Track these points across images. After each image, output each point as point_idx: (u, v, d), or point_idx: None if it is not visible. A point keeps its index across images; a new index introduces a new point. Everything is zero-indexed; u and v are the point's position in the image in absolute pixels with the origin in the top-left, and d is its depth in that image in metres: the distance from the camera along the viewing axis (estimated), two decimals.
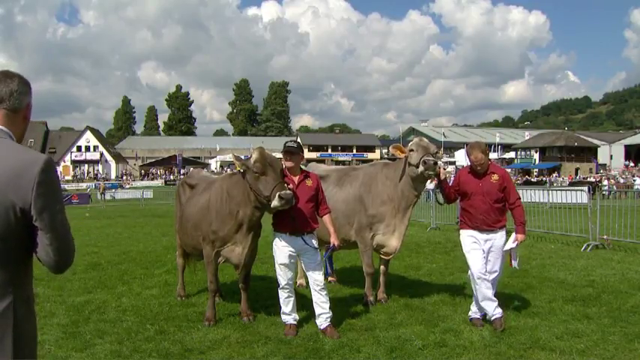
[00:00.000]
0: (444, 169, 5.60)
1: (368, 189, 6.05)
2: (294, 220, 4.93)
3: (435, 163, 5.32)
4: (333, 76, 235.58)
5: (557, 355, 4.29)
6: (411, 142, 5.72)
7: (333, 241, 5.14)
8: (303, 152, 5.30)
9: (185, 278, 6.78)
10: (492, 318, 5.04)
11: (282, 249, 5.03)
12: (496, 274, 5.21)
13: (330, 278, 7.24)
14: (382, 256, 6.22)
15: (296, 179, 5.09)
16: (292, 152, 5.07)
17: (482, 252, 5.13)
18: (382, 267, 6.32)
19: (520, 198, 5.23)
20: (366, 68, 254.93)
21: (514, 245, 5.17)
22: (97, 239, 12.96)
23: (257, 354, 4.49)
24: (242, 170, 4.97)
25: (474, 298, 5.24)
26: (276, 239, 5.10)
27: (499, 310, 5.04)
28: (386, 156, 78.83)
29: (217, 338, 4.90)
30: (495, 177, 5.09)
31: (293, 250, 5.02)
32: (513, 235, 5.18)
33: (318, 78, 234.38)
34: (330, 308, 5.07)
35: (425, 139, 5.74)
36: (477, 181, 5.14)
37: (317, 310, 5.05)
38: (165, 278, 7.72)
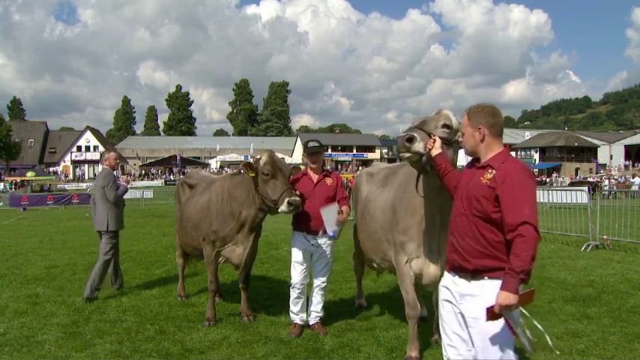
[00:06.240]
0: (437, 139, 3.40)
1: (402, 192, 4.33)
2: (312, 220, 4.90)
3: (411, 140, 3.35)
4: (333, 75, 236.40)
5: (557, 355, 4.28)
6: None
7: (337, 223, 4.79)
8: (324, 149, 5.20)
9: (184, 278, 6.79)
10: None
11: (298, 247, 5.02)
12: None
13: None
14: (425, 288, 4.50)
15: (315, 178, 5.05)
16: (317, 152, 5.02)
17: (453, 316, 2.96)
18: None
19: (530, 223, 2.60)
20: (366, 68, 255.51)
21: (493, 320, 2.65)
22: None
23: (257, 354, 4.49)
24: (252, 175, 4.90)
25: None
26: (294, 237, 5.09)
27: None
28: (386, 156, 78.92)
29: (217, 338, 4.90)
30: (489, 175, 2.82)
31: (308, 249, 5.00)
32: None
33: (317, 78, 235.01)
34: (322, 309, 5.12)
35: (445, 112, 3.66)
36: (466, 175, 3.05)
37: (310, 306, 5.11)
38: (165, 278, 7.73)
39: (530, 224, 2.60)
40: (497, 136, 2.91)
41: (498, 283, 2.67)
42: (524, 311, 2.68)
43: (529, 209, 2.63)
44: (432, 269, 4.15)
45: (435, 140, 3.35)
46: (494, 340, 2.71)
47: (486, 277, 2.77)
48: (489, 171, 2.83)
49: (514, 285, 2.56)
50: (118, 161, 7.04)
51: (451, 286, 2.95)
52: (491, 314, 2.61)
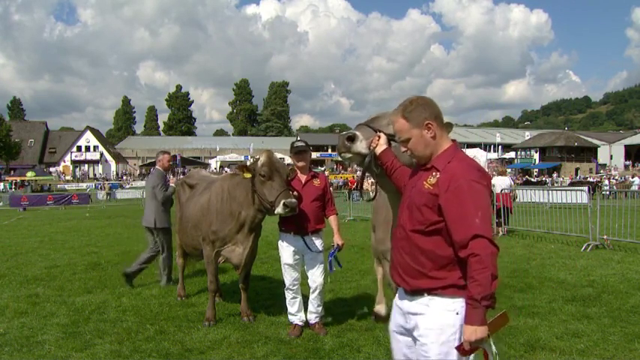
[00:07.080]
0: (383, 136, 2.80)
1: (380, 197, 3.88)
2: (298, 221, 4.88)
3: (352, 138, 2.78)
4: (332, 75, 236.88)
5: (557, 355, 4.28)
6: None
7: (337, 241, 5.05)
8: (311, 149, 5.21)
9: (184, 278, 6.79)
10: None
11: (286, 249, 5.01)
12: None
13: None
14: None
15: (304, 178, 5.03)
16: (302, 151, 5.00)
17: (400, 342, 2.58)
18: None
19: (483, 235, 2.20)
20: (366, 67, 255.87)
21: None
22: (97, 239, 12.95)
23: (257, 354, 4.49)
24: (250, 177, 4.90)
25: None
26: (281, 238, 5.08)
27: None
28: None
29: (217, 338, 4.90)
30: (432, 179, 2.39)
31: (297, 249, 4.98)
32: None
33: (317, 77, 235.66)
34: (322, 310, 5.11)
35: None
36: (412, 178, 2.59)
37: (309, 307, 5.09)
38: None
39: (482, 237, 2.18)
40: (444, 127, 2.49)
41: (441, 300, 2.33)
42: (490, 342, 2.32)
43: (480, 218, 2.20)
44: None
45: (379, 137, 2.76)
46: None
47: (426, 295, 2.37)
48: (433, 174, 2.38)
49: (479, 316, 2.17)
50: (170, 163, 7.29)
51: (398, 302, 2.57)
52: (463, 351, 2.27)
